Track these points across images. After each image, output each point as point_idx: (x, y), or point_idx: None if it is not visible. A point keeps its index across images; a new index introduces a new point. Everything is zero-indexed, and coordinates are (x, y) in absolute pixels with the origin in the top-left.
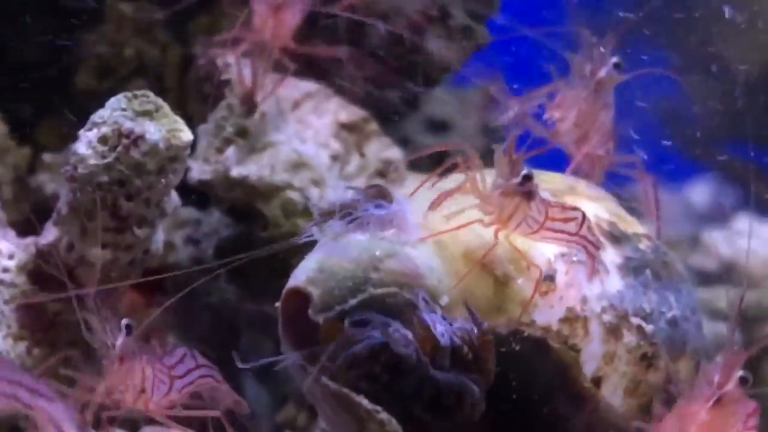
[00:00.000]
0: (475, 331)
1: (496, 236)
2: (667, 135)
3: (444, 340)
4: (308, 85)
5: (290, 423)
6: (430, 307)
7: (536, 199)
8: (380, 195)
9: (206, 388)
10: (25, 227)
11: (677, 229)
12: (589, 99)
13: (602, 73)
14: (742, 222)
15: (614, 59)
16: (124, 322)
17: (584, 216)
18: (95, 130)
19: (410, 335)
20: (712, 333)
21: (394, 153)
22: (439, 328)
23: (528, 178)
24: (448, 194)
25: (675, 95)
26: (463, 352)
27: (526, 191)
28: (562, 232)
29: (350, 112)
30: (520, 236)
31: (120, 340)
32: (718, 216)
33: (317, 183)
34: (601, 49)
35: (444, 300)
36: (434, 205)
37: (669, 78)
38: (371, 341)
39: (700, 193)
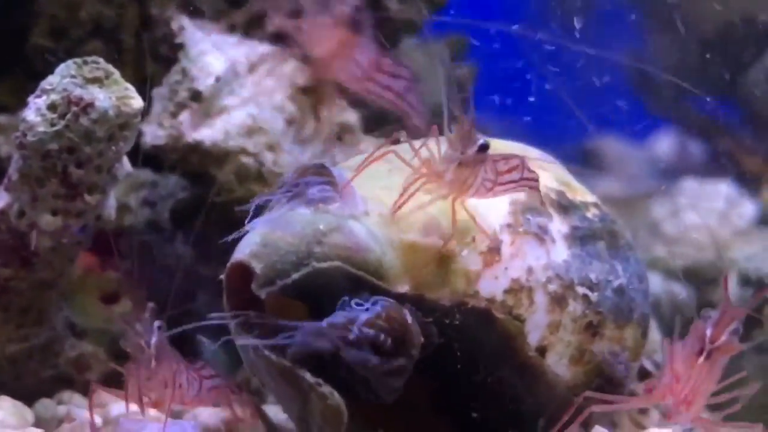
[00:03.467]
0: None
1: (453, 207)
2: (632, 89)
3: (353, 335)
4: (265, 48)
5: (245, 384)
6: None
7: (488, 161)
8: (322, 175)
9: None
10: None
11: (641, 184)
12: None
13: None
14: (687, 188)
15: None
16: (156, 323)
17: (522, 160)
18: (44, 97)
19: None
20: (666, 291)
21: (350, 116)
22: (358, 322)
23: (485, 147)
24: (409, 193)
25: (640, 50)
26: (379, 341)
27: (482, 159)
28: (510, 182)
29: (307, 75)
30: (471, 203)
31: (153, 339)
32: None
33: (272, 147)
34: None
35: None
36: (399, 205)
37: (634, 33)
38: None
39: (663, 146)
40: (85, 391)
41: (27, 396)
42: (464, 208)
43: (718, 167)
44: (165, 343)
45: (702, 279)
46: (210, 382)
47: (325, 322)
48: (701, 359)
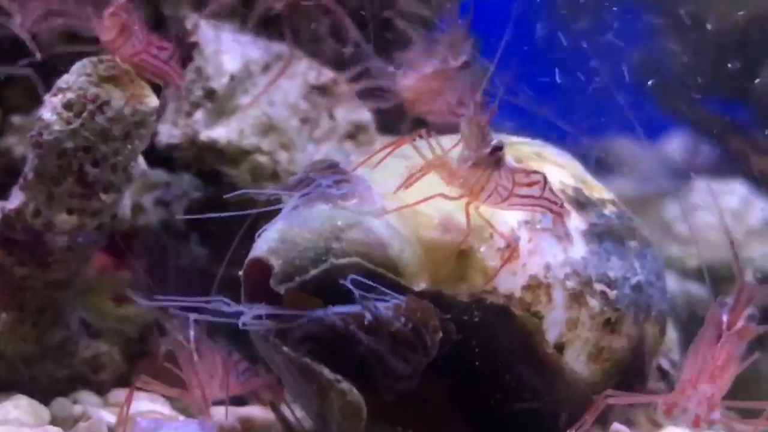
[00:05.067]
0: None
1: (467, 210)
2: (645, 89)
3: (367, 318)
4: (278, 47)
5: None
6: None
7: (504, 167)
8: (338, 174)
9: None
10: None
11: (653, 184)
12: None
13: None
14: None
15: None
16: (191, 317)
17: (545, 178)
18: (60, 96)
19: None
20: (682, 291)
21: (364, 115)
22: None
23: (498, 148)
24: (416, 176)
25: (654, 51)
26: (397, 326)
27: (496, 160)
28: (528, 196)
29: (320, 74)
30: (487, 207)
31: (192, 334)
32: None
33: (286, 146)
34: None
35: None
36: (405, 186)
37: (649, 35)
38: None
39: (675, 146)
40: (100, 390)
41: (42, 395)
42: (478, 213)
43: (731, 167)
44: (205, 338)
45: (718, 278)
46: (248, 375)
47: (339, 308)
48: (719, 346)
